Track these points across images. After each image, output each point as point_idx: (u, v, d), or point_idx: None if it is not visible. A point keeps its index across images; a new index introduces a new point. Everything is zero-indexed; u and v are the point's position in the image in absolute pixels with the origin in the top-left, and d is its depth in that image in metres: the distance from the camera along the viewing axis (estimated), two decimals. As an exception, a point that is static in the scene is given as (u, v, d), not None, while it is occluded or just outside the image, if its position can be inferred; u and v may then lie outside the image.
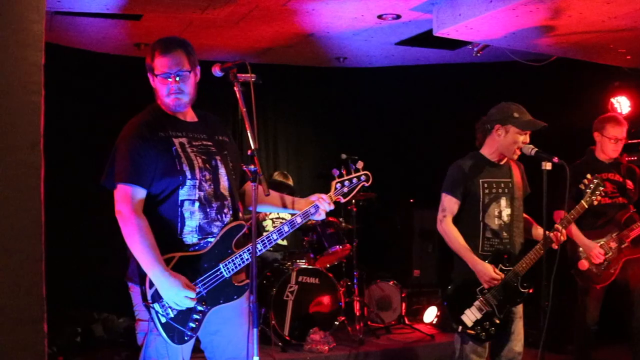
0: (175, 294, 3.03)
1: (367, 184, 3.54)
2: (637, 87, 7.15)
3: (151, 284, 3.05)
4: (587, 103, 7.34)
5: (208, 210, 3.23)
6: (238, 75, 3.15)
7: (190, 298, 3.05)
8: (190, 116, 3.39)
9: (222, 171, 3.32)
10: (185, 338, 3.13)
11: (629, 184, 5.08)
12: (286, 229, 3.34)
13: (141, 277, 3.08)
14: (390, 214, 8.65)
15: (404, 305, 7.34)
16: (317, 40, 7.04)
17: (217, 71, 3.20)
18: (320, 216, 3.43)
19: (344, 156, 7.40)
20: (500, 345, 4.16)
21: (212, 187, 3.25)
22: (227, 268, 3.21)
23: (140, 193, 3.12)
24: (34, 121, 2.11)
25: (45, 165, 2.59)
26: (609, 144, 5.11)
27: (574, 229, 4.76)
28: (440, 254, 7.99)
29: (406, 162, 8.70)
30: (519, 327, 4.18)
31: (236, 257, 3.22)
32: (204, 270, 3.18)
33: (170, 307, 3.08)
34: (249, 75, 3.18)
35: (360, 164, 3.54)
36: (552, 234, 4.04)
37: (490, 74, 7.88)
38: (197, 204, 3.19)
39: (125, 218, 3.07)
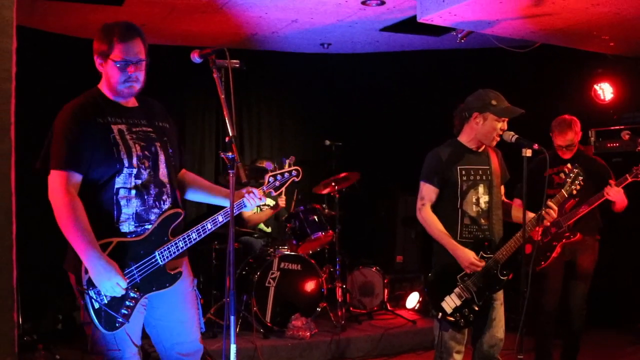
0: (108, 280, 3.01)
1: (297, 179, 3.61)
2: (620, 73, 7.17)
3: (86, 270, 3.02)
4: (570, 90, 7.37)
5: (146, 197, 3.22)
6: (222, 61, 3.11)
7: (122, 287, 3.05)
8: (132, 102, 3.36)
9: (162, 157, 3.31)
10: (117, 325, 3.13)
11: None
12: (220, 219, 3.36)
13: (76, 263, 3.05)
14: (373, 201, 8.66)
15: (386, 291, 7.36)
16: (301, 26, 6.99)
17: (195, 57, 3.20)
18: (251, 207, 3.48)
19: (327, 142, 7.40)
20: (482, 331, 4.17)
21: (151, 174, 3.24)
22: (162, 255, 3.22)
23: (76, 178, 3.09)
24: (4, 109, 2.08)
25: (22, 154, 2.57)
26: (558, 150, 5.25)
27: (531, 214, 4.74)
28: (423, 240, 7.99)
29: (390, 148, 8.68)
30: (500, 314, 4.19)
31: (171, 245, 3.24)
32: (139, 257, 3.18)
33: (104, 294, 3.07)
34: (233, 61, 3.14)
35: (292, 159, 3.65)
36: (544, 211, 4.03)
37: (474, 60, 7.87)
38: (133, 191, 3.18)
39: (58, 201, 3.03)
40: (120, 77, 3.20)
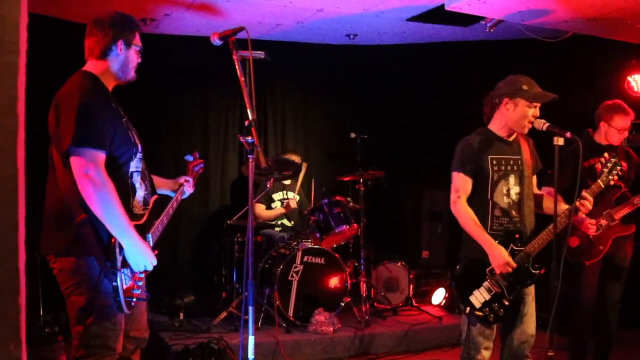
0: (147, 257, 3.09)
1: (201, 171, 3.96)
2: (655, 65, 6.96)
3: (120, 250, 3.04)
4: (602, 81, 7.17)
5: (146, 182, 3.36)
6: (246, 52, 3.14)
7: (154, 265, 3.17)
8: None
9: (140, 147, 3.39)
10: (132, 304, 3.16)
11: (623, 165, 4.98)
12: (170, 211, 3.54)
13: (102, 246, 3.02)
14: (399, 194, 8.53)
15: (411, 286, 7.25)
16: (326, 16, 6.87)
17: (215, 40, 3.31)
18: (189, 193, 3.81)
19: (353, 135, 7.30)
20: (512, 327, 4.02)
21: (143, 161, 3.36)
22: (151, 238, 3.31)
23: (104, 158, 3.07)
24: (10, 82, 1.97)
25: (36, 135, 2.49)
26: (616, 134, 5.09)
27: (564, 205, 4.59)
28: (450, 235, 7.88)
29: (417, 141, 8.55)
30: (531, 309, 4.03)
31: (157, 228, 3.37)
32: None
33: (125, 275, 3.10)
34: (257, 52, 3.24)
35: (195, 154, 3.95)
36: (579, 202, 3.87)
37: (503, 51, 7.70)
38: (141, 175, 3.30)
39: (98, 183, 2.97)
40: (135, 62, 3.35)
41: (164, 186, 3.71)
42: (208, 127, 7.98)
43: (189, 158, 3.87)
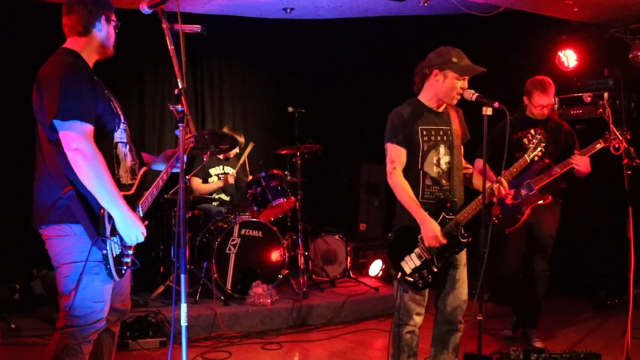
0: (138, 228, 3.16)
1: (193, 144, 3.82)
2: (584, 40, 7.14)
3: (109, 219, 3.09)
4: (534, 56, 7.33)
5: (133, 153, 3.40)
6: (184, 26, 3.14)
7: (144, 235, 3.22)
8: None
9: (124, 119, 3.43)
10: (123, 272, 3.22)
11: (549, 146, 5.12)
12: (160, 183, 3.56)
13: (90, 214, 3.08)
14: (336, 168, 8.59)
15: (349, 259, 7.34)
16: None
17: (144, 8, 3.25)
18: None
19: (290, 109, 7.31)
20: (446, 293, 4.10)
21: (128, 132, 3.41)
22: (141, 209, 3.38)
23: (92, 131, 3.10)
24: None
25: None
26: (535, 110, 5.25)
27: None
28: (387, 207, 7.98)
29: (353, 115, 8.61)
30: (463, 275, 4.12)
31: (146, 199, 3.41)
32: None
33: (115, 243, 3.16)
34: (194, 26, 3.27)
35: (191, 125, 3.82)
36: (494, 185, 3.97)
37: (438, 26, 7.79)
38: (127, 146, 3.36)
39: (89, 156, 3.02)
40: (114, 37, 3.39)
41: (156, 161, 3.74)
42: (144, 100, 7.87)
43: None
